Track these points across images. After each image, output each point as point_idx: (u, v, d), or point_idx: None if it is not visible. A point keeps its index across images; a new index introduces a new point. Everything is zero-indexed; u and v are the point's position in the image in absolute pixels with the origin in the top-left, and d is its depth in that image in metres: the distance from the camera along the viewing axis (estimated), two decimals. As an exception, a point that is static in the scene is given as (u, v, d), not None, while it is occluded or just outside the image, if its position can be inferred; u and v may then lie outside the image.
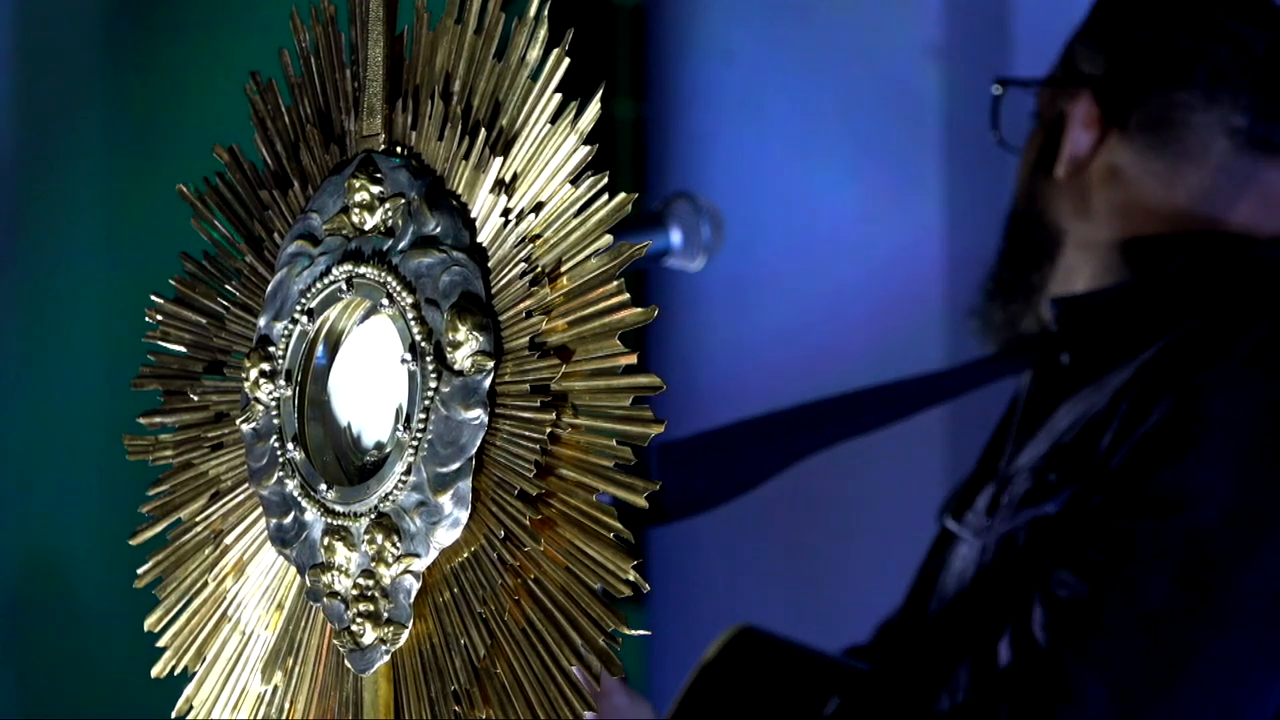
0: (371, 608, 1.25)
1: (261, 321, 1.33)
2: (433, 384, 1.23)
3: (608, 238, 1.20)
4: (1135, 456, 2.06)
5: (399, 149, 1.29)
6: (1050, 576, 2.06)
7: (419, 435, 1.23)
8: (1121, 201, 2.29)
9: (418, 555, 1.24)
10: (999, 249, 2.39)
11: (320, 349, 1.31)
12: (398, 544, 1.24)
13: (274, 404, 1.31)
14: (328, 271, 1.29)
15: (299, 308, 1.30)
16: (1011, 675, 2.04)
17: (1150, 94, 2.29)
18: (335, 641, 1.28)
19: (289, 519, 1.30)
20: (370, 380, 1.29)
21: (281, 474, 1.30)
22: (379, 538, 1.25)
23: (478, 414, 1.22)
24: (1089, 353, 2.25)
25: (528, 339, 1.22)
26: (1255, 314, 2.13)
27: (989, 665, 2.07)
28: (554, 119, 1.23)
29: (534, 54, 1.24)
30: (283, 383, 1.31)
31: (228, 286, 1.38)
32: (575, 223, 1.22)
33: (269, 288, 1.33)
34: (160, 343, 1.40)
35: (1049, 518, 2.11)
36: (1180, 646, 2.02)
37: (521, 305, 1.23)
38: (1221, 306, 2.16)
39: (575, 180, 1.22)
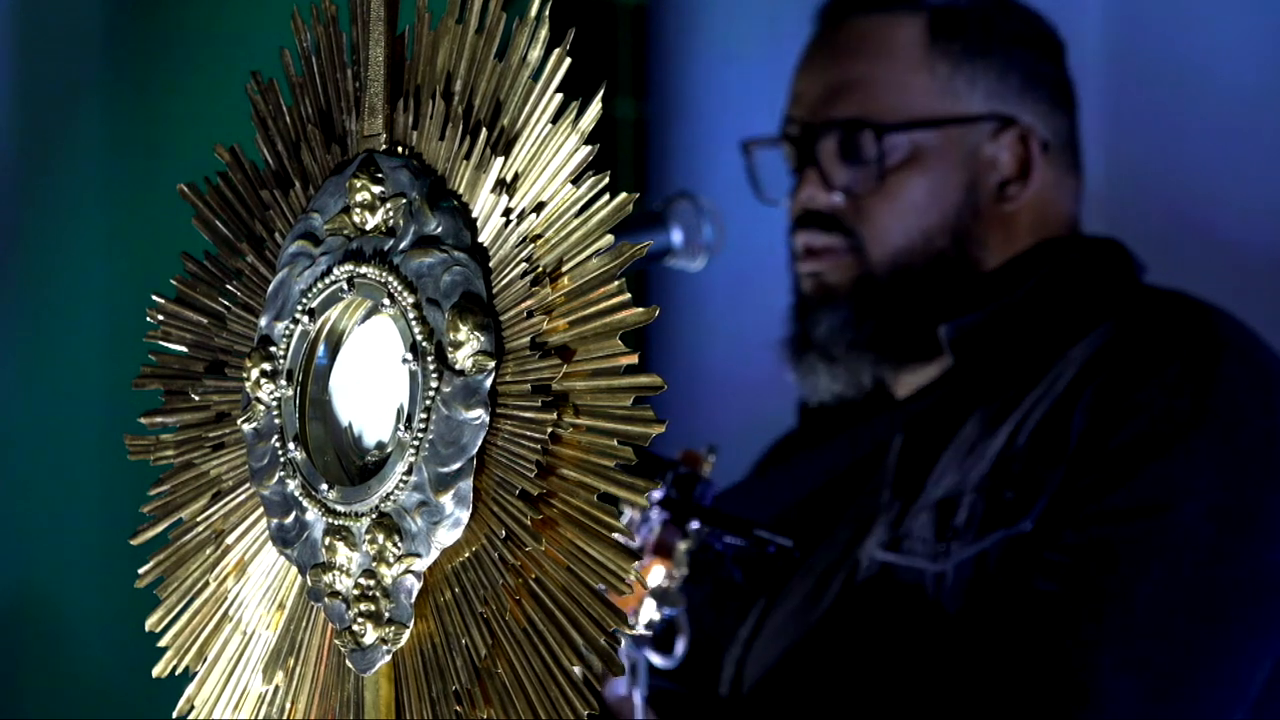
0: (373, 607, 1.25)
1: (263, 321, 1.33)
2: (434, 384, 1.23)
3: (609, 237, 1.20)
4: (1111, 466, 2.08)
5: (400, 149, 1.29)
6: (1048, 590, 2.06)
7: (420, 435, 1.23)
8: (1032, 221, 2.35)
9: (419, 555, 1.24)
10: (901, 290, 2.34)
11: (321, 349, 1.31)
12: (399, 544, 1.24)
13: (275, 404, 1.31)
14: (329, 271, 1.29)
15: (300, 307, 1.30)
16: (1025, 689, 2.03)
17: (1062, 116, 2.39)
18: (336, 641, 1.28)
19: (290, 519, 1.30)
20: (371, 380, 1.29)
21: (283, 474, 1.30)
22: (380, 537, 1.25)
23: (479, 414, 1.22)
24: (982, 371, 2.26)
25: (529, 339, 1.22)
26: (1167, 338, 2.15)
27: (999, 681, 2.06)
28: (555, 119, 1.23)
29: (535, 54, 1.24)
30: (284, 382, 1.31)
31: (229, 286, 1.38)
32: (576, 222, 1.22)
33: (270, 287, 1.33)
34: (161, 342, 1.40)
35: (1025, 534, 2.11)
36: (1187, 644, 2.03)
37: (523, 305, 1.23)
38: (1121, 318, 2.19)
39: (576, 180, 1.22)
